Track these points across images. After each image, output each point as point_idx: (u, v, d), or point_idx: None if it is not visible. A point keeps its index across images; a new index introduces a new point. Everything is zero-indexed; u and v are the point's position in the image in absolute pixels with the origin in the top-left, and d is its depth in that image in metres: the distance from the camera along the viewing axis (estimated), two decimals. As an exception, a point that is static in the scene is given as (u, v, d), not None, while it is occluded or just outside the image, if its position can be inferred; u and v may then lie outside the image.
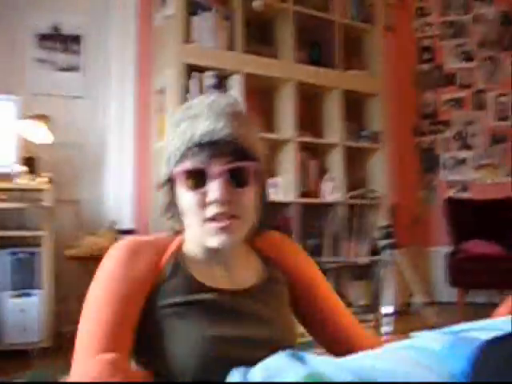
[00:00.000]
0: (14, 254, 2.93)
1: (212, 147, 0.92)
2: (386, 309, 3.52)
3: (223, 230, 0.92)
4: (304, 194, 3.72)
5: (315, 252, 3.65)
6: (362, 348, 0.96)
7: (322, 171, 3.93)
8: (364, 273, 4.01)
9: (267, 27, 3.87)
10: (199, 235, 0.96)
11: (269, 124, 3.79)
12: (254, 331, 0.96)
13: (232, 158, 0.92)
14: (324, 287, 1.11)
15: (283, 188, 3.61)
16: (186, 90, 3.28)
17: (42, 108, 3.20)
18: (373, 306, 3.77)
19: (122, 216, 3.45)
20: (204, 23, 3.45)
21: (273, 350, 0.78)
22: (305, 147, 3.81)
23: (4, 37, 3.40)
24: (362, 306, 3.91)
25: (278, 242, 1.12)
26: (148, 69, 3.59)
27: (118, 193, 3.53)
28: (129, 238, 1.02)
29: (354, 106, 4.10)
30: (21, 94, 3.14)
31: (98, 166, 3.57)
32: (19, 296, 2.91)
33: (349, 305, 3.68)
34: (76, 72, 3.58)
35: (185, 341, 0.92)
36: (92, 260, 3.15)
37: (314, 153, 3.93)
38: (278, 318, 1.01)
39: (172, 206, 1.00)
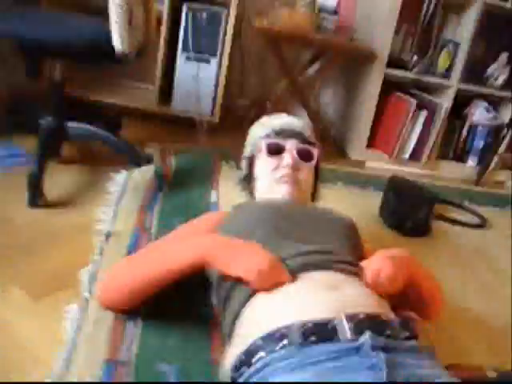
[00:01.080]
0: (196, 11, 2.52)
1: (288, 133, 1.40)
2: None
3: (288, 182, 1.34)
4: None
5: None
6: None
7: None
8: None
9: None
10: (269, 190, 1.37)
11: None
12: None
13: (301, 142, 1.40)
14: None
15: None
16: None
17: None
18: None
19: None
20: None
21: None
22: None
23: None
24: None
25: None
26: None
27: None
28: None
29: None
30: None
31: None
32: (196, 60, 2.58)
33: None
34: None
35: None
36: (283, 38, 2.70)
37: None
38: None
39: (248, 179, 1.48)
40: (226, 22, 2.50)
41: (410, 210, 2.02)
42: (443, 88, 2.69)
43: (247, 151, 1.49)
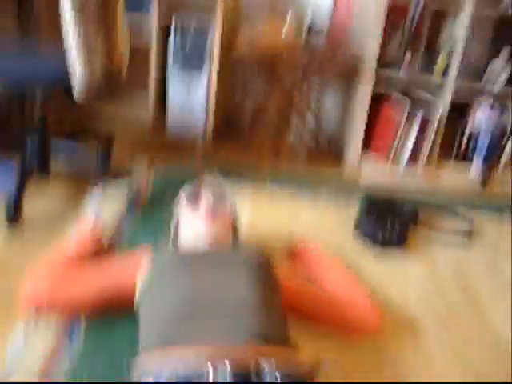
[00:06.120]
0: (184, 23, 2.51)
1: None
2: None
3: (207, 216, 1.44)
4: None
5: None
6: None
7: None
8: None
9: None
10: (189, 225, 1.48)
11: None
12: None
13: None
14: None
15: None
16: None
17: None
18: None
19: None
20: None
21: None
22: None
23: None
24: None
25: None
26: None
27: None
28: None
29: None
30: None
31: None
32: (186, 69, 2.56)
33: None
34: None
35: None
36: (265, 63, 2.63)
37: None
38: None
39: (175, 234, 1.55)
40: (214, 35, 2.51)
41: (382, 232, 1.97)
42: (440, 88, 2.59)
43: (174, 215, 1.58)
